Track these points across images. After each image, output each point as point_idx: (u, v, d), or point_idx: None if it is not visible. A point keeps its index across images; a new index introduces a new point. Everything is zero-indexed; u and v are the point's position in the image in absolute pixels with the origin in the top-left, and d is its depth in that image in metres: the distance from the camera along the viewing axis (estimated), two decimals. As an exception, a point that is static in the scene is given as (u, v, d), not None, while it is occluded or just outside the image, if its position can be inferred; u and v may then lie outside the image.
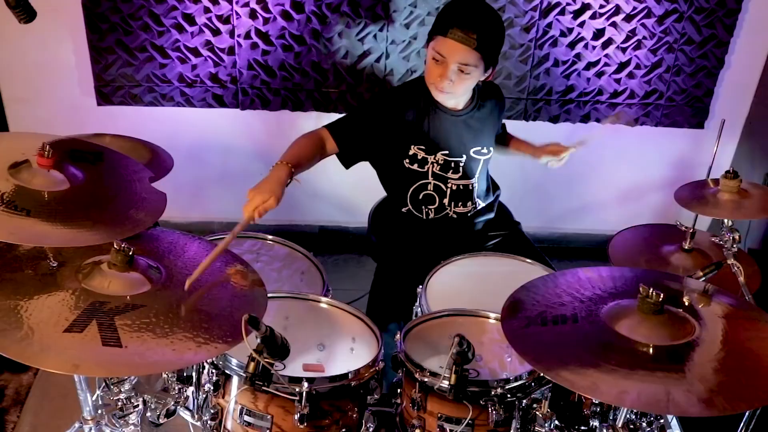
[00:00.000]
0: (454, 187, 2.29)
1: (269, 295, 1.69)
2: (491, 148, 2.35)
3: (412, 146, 2.22)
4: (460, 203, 2.32)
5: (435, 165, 2.25)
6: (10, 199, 1.50)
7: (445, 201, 2.31)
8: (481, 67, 2.10)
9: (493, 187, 2.47)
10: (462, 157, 2.26)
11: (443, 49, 2.07)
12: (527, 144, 2.55)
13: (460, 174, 2.28)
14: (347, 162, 2.22)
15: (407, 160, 2.24)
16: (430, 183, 2.28)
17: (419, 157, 2.24)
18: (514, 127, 2.64)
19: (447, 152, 2.24)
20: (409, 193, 2.30)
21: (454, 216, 2.34)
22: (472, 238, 2.40)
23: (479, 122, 2.29)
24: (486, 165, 2.35)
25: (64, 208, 1.55)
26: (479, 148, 2.29)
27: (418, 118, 2.20)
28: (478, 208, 2.38)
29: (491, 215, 2.45)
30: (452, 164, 2.26)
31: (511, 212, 2.60)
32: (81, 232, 1.51)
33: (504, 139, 2.57)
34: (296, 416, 1.59)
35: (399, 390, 1.80)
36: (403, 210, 2.34)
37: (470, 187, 2.31)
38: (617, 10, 3.02)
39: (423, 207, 2.32)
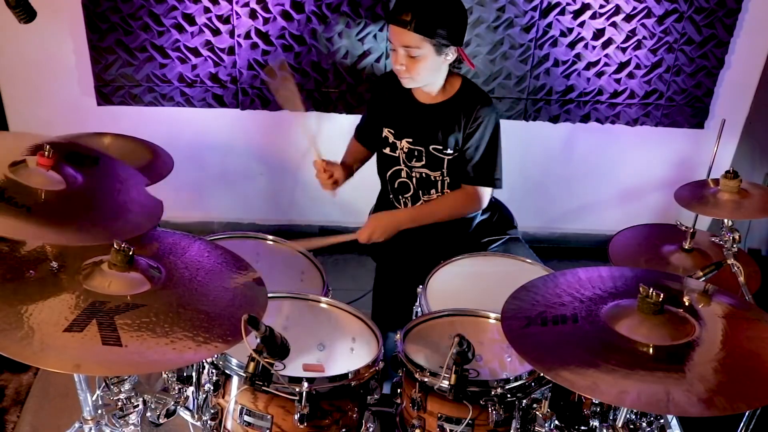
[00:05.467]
0: (418, 176, 2.33)
1: (269, 295, 1.69)
2: (456, 150, 2.26)
3: (384, 128, 2.32)
4: (427, 191, 2.34)
5: (402, 152, 2.31)
6: (10, 196, 1.51)
7: (415, 187, 2.36)
8: (428, 47, 2.08)
9: None
10: (423, 147, 2.29)
11: (390, 36, 2.14)
12: (412, 207, 2.39)
13: (424, 162, 2.30)
14: (361, 137, 2.45)
15: (381, 144, 2.34)
16: (403, 169, 2.34)
17: (390, 141, 2.32)
18: (514, 127, 2.63)
19: (411, 140, 2.29)
20: (387, 177, 2.39)
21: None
22: (464, 238, 2.39)
23: (443, 120, 2.24)
24: (456, 164, 2.27)
25: (61, 208, 1.55)
26: (440, 146, 2.26)
27: (392, 102, 2.30)
28: None
29: (485, 216, 2.43)
30: (416, 152, 2.29)
31: (512, 216, 2.55)
32: (78, 233, 1.52)
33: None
34: (296, 416, 1.59)
35: (399, 390, 1.80)
36: (390, 198, 2.42)
37: (432, 178, 2.31)
38: (617, 10, 3.02)
39: (400, 196, 2.38)
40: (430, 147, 2.27)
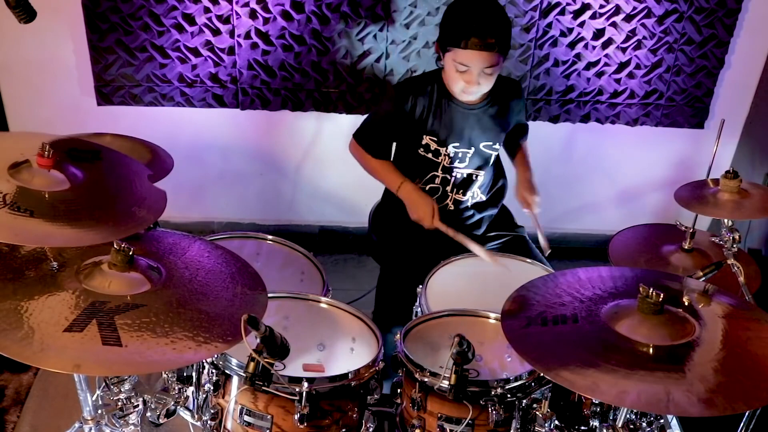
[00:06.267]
0: (459, 175, 2.35)
1: (269, 295, 1.69)
2: (501, 144, 2.39)
3: (425, 136, 2.30)
4: (461, 192, 2.37)
5: (446, 158, 2.32)
6: (12, 201, 1.50)
7: (448, 188, 2.37)
8: (502, 59, 2.17)
9: (497, 179, 2.49)
10: (470, 149, 2.32)
11: (466, 60, 2.11)
12: (523, 169, 2.47)
13: (467, 163, 2.34)
14: (383, 155, 2.39)
15: (421, 149, 2.32)
16: (438, 176, 2.35)
17: (432, 148, 2.31)
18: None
19: (457, 144, 2.30)
20: (420, 183, 2.36)
21: (452, 208, 2.38)
22: (472, 238, 2.40)
23: (491, 117, 2.32)
24: (496, 159, 2.41)
25: (65, 208, 1.55)
26: (489, 143, 2.34)
27: (430, 111, 2.27)
28: (477, 199, 2.41)
29: (494, 211, 2.47)
30: (460, 154, 2.32)
31: (512, 216, 2.59)
32: (84, 231, 1.51)
33: (514, 149, 2.53)
34: (296, 416, 1.59)
35: (399, 390, 1.80)
36: None
37: (474, 177, 2.37)
38: (617, 10, 3.02)
39: None
40: (481, 145, 2.32)
